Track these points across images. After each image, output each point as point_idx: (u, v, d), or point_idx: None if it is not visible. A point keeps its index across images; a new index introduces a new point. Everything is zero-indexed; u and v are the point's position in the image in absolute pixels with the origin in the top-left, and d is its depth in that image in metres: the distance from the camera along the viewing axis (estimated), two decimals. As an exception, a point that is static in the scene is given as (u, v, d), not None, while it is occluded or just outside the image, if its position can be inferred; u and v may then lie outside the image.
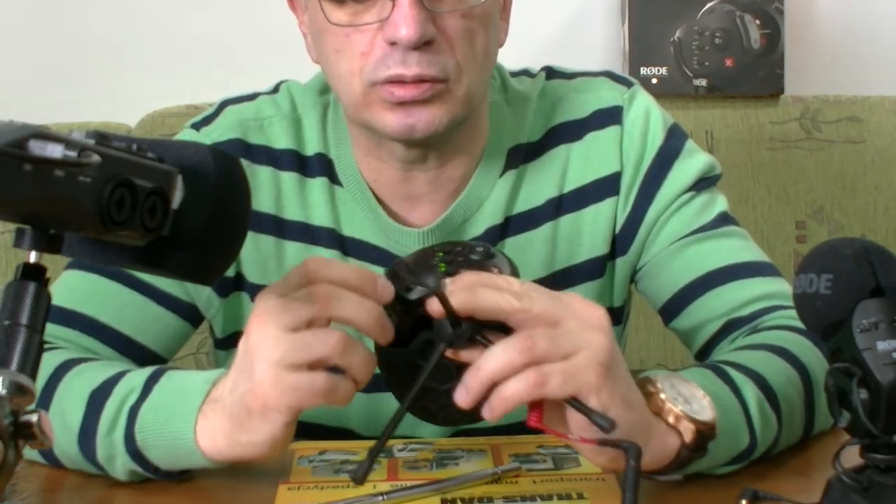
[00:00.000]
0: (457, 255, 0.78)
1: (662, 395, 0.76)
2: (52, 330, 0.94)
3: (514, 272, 0.79)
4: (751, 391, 0.83)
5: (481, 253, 0.79)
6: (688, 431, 0.76)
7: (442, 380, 0.74)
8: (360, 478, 0.72)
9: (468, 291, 0.72)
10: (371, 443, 0.91)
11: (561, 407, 0.73)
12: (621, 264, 1.07)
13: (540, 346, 0.70)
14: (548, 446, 0.90)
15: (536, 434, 0.96)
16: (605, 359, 0.71)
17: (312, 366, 0.73)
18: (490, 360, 0.71)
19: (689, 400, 0.77)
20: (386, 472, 0.85)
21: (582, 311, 0.73)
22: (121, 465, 0.83)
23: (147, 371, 0.85)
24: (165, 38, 1.85)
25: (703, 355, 1.01)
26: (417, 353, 0.76)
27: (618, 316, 1.09)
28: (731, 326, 0.99)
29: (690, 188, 1.05)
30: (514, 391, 0.70)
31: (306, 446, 0.92)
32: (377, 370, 0.78)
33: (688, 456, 0.77)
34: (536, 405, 0.73)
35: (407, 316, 0.76)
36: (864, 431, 0.66)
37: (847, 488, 0.68)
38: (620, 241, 1.06)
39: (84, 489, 0.86)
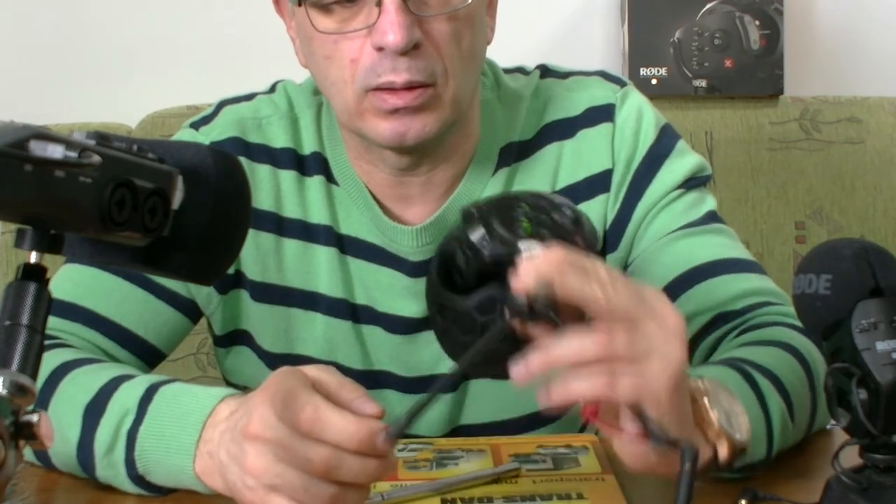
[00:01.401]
0: (541, 210, 0.72)
1: (713, 413, 0.73)
2: (53, 323, 0.95)
3: (596, 240, 0.75)
4: (776, 404, 0.82)
5: (568, 217, 0.72)
6: (724, 449, 0.73)
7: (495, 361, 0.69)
8: (393, 435, 0.69)
9: (556, 270, 0.67)
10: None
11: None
12: (611, 261, 1.06)
13: (617, 343, 0.66)
14: (547, 446, 0.90)
15: (536, 433, 0.96)
16: (678, 371, 0.68)
17: None
18: (563, 346, 0.67)
19: (729, 414, 0.75)
20: (386, 472, 0.85)
21: (662, 313, 0.69)
22: (124, 485, 0.84)
23: (139, 388, 0.85)
24: (166, 39, 1.85)
25: (691, 348, 1.00)
26: (477, 308, 0.71)
27: None
28: (721, 320, 0.98)
29: (679, 186, 1.05)
30: (581, 388, 0.67)
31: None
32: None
33: (715, 470, 0.75)
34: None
35: (474, 262, 0.71)
36: (864, 431, 0.67)
37: (846, 488, 0.68)
38: (610, 238, 1.06)
39: (84, 489, 0.86)
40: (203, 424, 0.79)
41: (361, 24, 0.91)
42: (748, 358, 0.86)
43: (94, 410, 0.84)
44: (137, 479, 0.83)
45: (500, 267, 0.69)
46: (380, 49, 0.91)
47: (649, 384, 0.67)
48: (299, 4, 0.93)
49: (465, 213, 0.73)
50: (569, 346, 0.66)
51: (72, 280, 1.00)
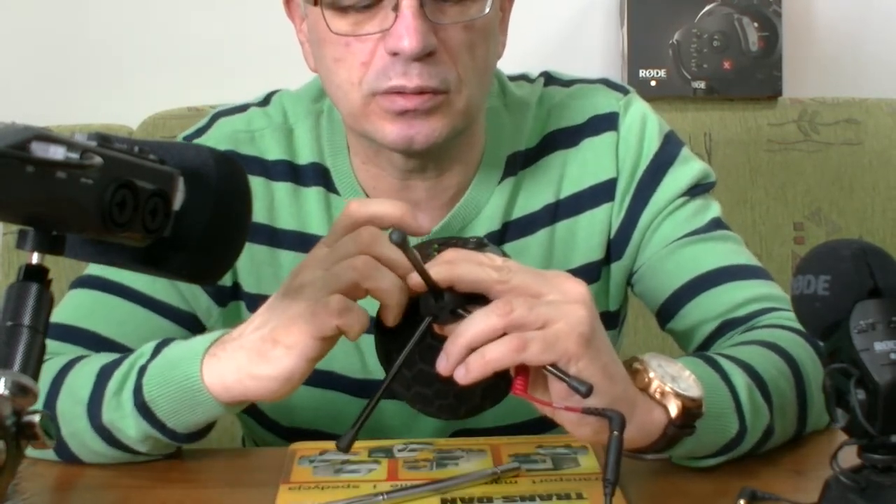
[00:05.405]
0: (451, 245, 0.80)
1: (651, 374, 0.77)
2: (54, 347, 0.95)
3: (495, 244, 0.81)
4: (740, 378, 0.84)
5: (475, 243, 0.80)
6: (674, 407, 0.76)
7: (432, 361, 0.74)
8: (345, 447, 0.74)
9: (447, 264, 0.74)
10: (370, 444, 0.92)
11: (545, 377, 0.73)
12: (616, 269, 1.07)
13: (519, 312, 0.71)
14: (547, 446, 0.91)
15: (535, 434, 0.96)
16: (586, 329, 0.71)
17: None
18: (469, 325, 0.72)
19: (676, 379, 0.78)
20: (386, 472, 0.85)
21: (562, 286, 0.74)
22: (128, 427, 0.85)
23: (156, 340, 0.88)
24: (167, 40, 1.85)
25: None
26: (410, 339, 0.76)
27: (613, 320, 1.09)
28: (727, 327, 0.99)
29: (684, 193, 1.05)
30: (494, 354, 0.71)
31: (307, 446, 0.92)
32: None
33: (675, 433, 0.77)
34: (521, 373, 0.73)
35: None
36: (862, 432, 0.67)
37: (845, 488, 0.68)
38: (615, 246, 1.06)
39: (87, 489, 0.86)
40: (215, 339, 0.82)
41: (376, 27, 0.91)
42: (718, 352, 0.88)
43: (109, 367, 0.87)
44: (142, 407, 0.84)
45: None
46: (394, 54, 0.90)
47: (559, 342, 0.71)
48: (315, 4, 0.93)
49: None
50: (475, 322, 0.72)
51: (72, 304, 1.00)
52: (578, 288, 0.74)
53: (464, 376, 0.71)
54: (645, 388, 0.77)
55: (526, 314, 0.71)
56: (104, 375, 0.87)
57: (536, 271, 0.75)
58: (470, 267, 0.73)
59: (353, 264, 0.75)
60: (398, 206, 0.77)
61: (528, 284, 0.73)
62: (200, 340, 0.83)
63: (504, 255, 0.80)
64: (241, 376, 0.79)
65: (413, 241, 1.01)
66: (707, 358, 0.86)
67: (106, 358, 0.90)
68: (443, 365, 0.72)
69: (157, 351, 0.86)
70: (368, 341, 1.03)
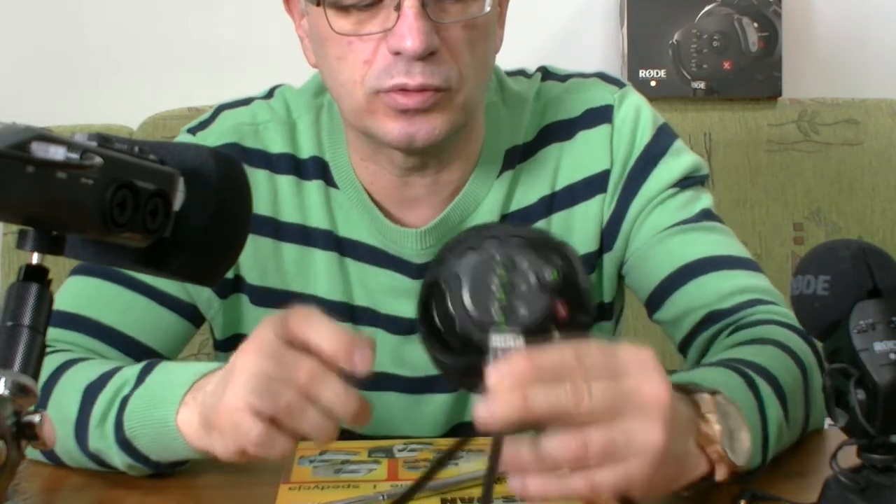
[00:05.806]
0: (520, 275, 0.68)
1: (717, 428, 0.73)
2: (56, 334, 0.95)
3: (581, 287, 0.70)
4: (774, 412, 0.82)
5: (546, 277, 0.68)
6: (721, 472, 0.73)
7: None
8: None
9: (519, 393, 0.63)
10: (370, 444, 0.92)
11: None
12: (608, 259, 1.07)
13: (594, 449, 0.64)
14: (547, 447, 0.90)
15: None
16: (661, 457, 0.65)
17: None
18: (535, 454, 0.64)
19: (733, 434, 0.74)
20: (386, 472, 0.85)
21: (643, 393, 0.65)
22: (114, 456, 0.85)
23: (141, 364, 0.87)
24: (167, 41, 1.85)
25: (684, 346, 1.01)
26: (462, 370, 0.71)
27: (608, 311, 1.10)
28: (712, 319, 0.98)
29: (675, 185, 1.05)
30: (562, 491, 0.65)
31: (307, 446, 0.92)
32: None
33: (708, 485, 0.74)
34: None
35: (448, 333, 0.70)
36: (861, 432, 0.67)
37: (844, 488, 0.69)
38: (607, 237, 1.06)
39: (87, 489, 0.86)
40: (194, 381, 0.80)
41: (378, 27, 0.91)
42: (748, 359, 0.86)
43: (95, 388, 0.86)
44: (124, 443, 0.83)
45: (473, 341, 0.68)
46: (396, 53, 0.90)
47: (632, 479, 0.65)
48: (317, 4, 0.93)
49: (428, 280, 0.71)
50: (541, 453, 0.64)
51: (73, 292, 1.00)
52: (659, 394, 0.65)
53: (520, 492, 0.65)
54: (703, 443, 0.72)
55: (600, 452, 0.64)
56: (89, 397, 0.86)
57: (613, 373, 0.65)
58: (545, 396, 0.63)
59: (283, 397, 0.70)
60: (337, 342, 0.71)
61: (607, 408, 0.64)
62: (181, 380, 0.81)
63: (574, 272, 0.70)
64: (199, 437, 0.78)
65: (413, 245, 1.02)
66: (747, 377, 0.83)
67: (94, 369, 0.88)
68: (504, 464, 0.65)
69: (140, 379, 0.84)
70: (370, 335, 1.04)
